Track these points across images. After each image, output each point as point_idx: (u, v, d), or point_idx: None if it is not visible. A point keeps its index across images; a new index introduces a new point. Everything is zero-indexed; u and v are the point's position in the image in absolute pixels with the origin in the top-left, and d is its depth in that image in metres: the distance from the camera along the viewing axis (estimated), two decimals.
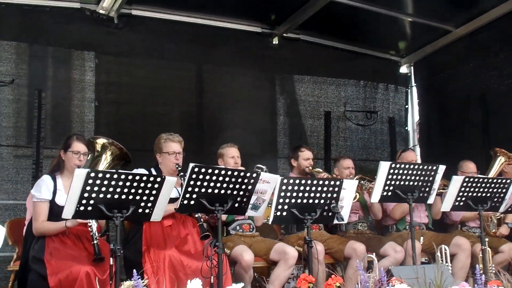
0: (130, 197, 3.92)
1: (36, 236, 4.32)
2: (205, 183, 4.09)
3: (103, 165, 5.84)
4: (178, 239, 4.58)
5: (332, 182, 4.57)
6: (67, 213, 3.78)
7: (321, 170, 5.83)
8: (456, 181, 5.07)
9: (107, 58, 7.40)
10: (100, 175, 3.78)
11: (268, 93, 8.44)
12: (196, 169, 4.02)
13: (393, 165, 4.94)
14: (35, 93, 6.94)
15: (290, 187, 4.41)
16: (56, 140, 6.95)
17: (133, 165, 7.02)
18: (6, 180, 6.69)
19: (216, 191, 4.15)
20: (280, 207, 4.42)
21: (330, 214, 4.62)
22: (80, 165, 4.42)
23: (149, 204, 4.03)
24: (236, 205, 4.28)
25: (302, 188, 4.44)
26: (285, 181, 4.38)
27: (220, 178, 4.12)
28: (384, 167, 4.91)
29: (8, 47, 6.86)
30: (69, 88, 7.20)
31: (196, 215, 4.52)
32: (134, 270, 3.07)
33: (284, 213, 4.44)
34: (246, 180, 4.22)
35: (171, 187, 4.07)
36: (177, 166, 4.82)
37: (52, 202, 4.35)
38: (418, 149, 9.01)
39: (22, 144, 6.86)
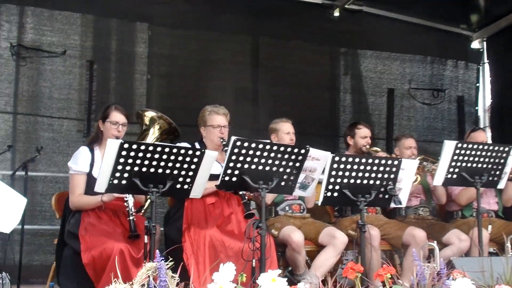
0: (167, 171, 3.65)
1: (73, 210, 4.11)
2: (248, 159, 3.76)
3: (150, 139, 5.65)
4: (220, 218, 4.28)
5: (390, 162, 4.15)
6: (100, 186, 3.54)
7: (379, 149, 5.39)
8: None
9: (160, 30, 7.18)
10: (134, 146, 3.51)
11: (328, 69, 8.01)
12: (238, 143, 3.70)
13: (460, 145, 4.47)
14: (87, 65, 6.77)
15: (342, 166, 4.02)
16: None
17: (183, 140, 6.88)
18: (57, 153, 6.58)
19: (260, 167, 3.81)
20: (331, 187, 4.04)
21: (386, 196, 4.20)
22: (119, 136, 4.17)
23: (188, 180, 3.74)
24: (283, 183, 3.94)
25: (355, 167, 4.05)
26: (336, 158, 3.99)
27: (265, 154, 3.78)
28: (449, 146, 4.45)
29: (60, 17, 6.71)
30: (121, 60, 7.01)
31: (241, 193, 4.18)
32: (157, 251, 2.77)
33: (335, 194, 4.06)
34: (293, 157, 3.87)
35: (211, 162, 3.77)
36: (222, 140, 4.50)
37: (89, 175, 4.13)
38: (488, 131, 8.35)
39: (73, 117, 6.71)
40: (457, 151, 4.44)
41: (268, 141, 3.82)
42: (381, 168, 4.13)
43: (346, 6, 7.83)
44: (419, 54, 8.34)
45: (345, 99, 7.99)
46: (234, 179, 3.79)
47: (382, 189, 4.18)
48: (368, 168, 4.09)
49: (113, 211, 4.07)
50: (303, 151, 3.87)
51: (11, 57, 6.46)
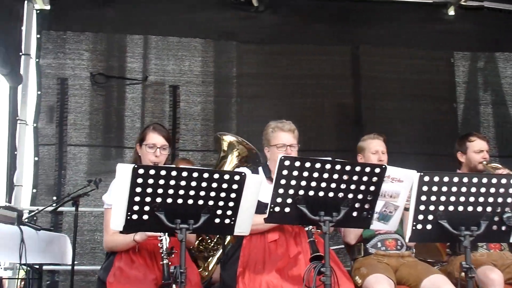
0: (200, 202, 2.89)
1: (108, 252, 3.48)
2: (303, 183, 2.91)
3: (227, 168, 4.97)
4: (284, 259, 3.40)
5: (505, 180, 3.07)
6: (116, 223, 2.86)
7: (500, 166, 4.24)
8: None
9: (247, 47, 6.52)
10: (152, 171, 2.80)
11: (444, 76, 6.85)
12: (286, 162, 2.86)
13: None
14: (170, 90, 6.27)
15: (435, 188, 3.01)
16: (193, 141, 6.25)
17: None
18: None
19: (320, 193, 2.94)
20: (421, 217, 3.03)
21: (503, 228, 3.11)
22: (157, 162, 3.50)
23: (229, 212, 2.96)
24: (354, 214, 3.02)
25: (454, 188, 3.02)
26: (426, 178, 2.99)
27: (325, 175, 2.91)
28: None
29: (139, 41, 6.30)
30: (207, 83, 6.43)
31: (306, 228, 3.30)
32: None
33: (428, 227, 3.05)
34: (365, 178, 2.95)
35: (257, 188, 2.96)
36: None
37: None
38: None
39: None
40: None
41: (329, 158, 2.93)
42: (492, 190, 3.06)
43: (463, 3, 6.71)
44: None
45: (468, 112, 6.79)
46: (287, 209, 2.95)
47: (496, 218, 3.09)
48: (473, 190, 3.04)
49: (150, 252, 3.37)
50: (377, 170, 2.93)
51: (91, 87, 6.11)
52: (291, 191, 2.92)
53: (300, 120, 6.25)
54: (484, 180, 3.04)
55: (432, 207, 3.04)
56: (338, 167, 2.90)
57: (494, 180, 3.05)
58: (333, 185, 2.94)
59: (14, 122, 5.76)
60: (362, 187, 2.97)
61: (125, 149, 6.13)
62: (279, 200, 2.93)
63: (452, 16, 6.78)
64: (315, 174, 2.90)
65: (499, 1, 6.85)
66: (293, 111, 6.43)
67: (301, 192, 2.92)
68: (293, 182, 2.90)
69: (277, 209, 2.94)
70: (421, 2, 6.79)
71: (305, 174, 2.89)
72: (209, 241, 4.60)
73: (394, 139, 6.42)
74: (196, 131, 6.28)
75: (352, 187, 2.96)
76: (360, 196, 2.99)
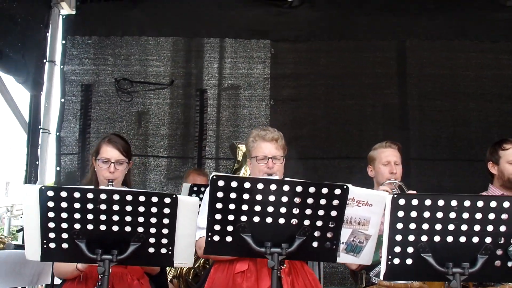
0: (127, 228, 2.48)
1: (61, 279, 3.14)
2: (245, 207, 2.41)
3: None
4: None
5: (507, 204, 2.41)
6: (31, 252, 2.50)
7: None
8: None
9: (282, 46, 6.03)
10: (64, 194, 2.41)
11: (508, 71, 6.00)
12: (220, 183, 2.38)
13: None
14: (197, 94, 5.91)
15: (414, 213, 2.41)
16: (222, 149, 5.86)
17: (313, 177, 5.63)
18: None
19: (268, 219, 2.43)
20: (398, 249, 2.44)
21: (508, 264, 2.45)
22: (112, 178, 3.11)
23: (164, 240, 2.52)
24: (315, 244, 2.48)
25: (440, 214, 2.40)
26: (401, 201, 2.39)
27: (271, 198, 2.39)
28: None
29: (165, 44, 5.98)
30: (238, 85, 6.01)
31: (269, 261, 2.77)
32: None
33: (408, 261, 2.44)
34: (323, 201, 2.41)
35: (193, 212, 2.50)
36: None
37: None
38: None
39: (181, 155, 5.87)
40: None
41: (276, 177, 2.42)
42: (492, 216, 2.41)
43: None
44: None
45: None
46: (228, 238, 2.46)
47: (499, 252, 2.43)
48: (466, 216, 2.41)
49: (97, 281, 2.99)
50: (338, 191, 2.38)
51: (116, 93, 5.87)
52: (230, 217, 2.43)
53: (340, 124, 5.86)
54: (480, 204, 2.40)
55: (411, 237, 2.43)
56: (286, 188, 2.38)
57: (493, 204, 2.40)
58: (282, 210, 2.42)
59: (35, 131, 5.62)
60: (321, 212, 2.43)
61: (150, 157, 5.84)
62: (217, 227, 2.45)
63: None
64: (258, 197, 2.40)
65: None
66: (332, 114, 5.94)
67: (244, 218, 2.43)
68: (231, 206, 2.41)
69: (216, 238, 2.46)
70: None
71: (246, 196, 2.39)
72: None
73: (447, 143, 5.79)
74: (224, 138, 5.88)
75: (308, 212, 2.42)
76: (319, 223, 2.45)
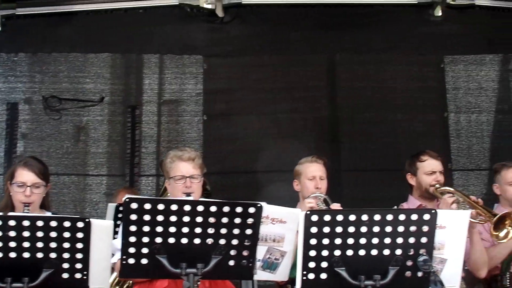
0: (39, 255, 2.42)
1: None
2: (159, 228, 2.40)
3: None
4: None
5: (415, 216, 2.48)
6: None
7: (451, 190, 3.62)
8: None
9: (215, 61, 6.04)
10: None
11: (432, 83, 6.17)
12: (133, 205, 2.36)
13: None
14: (128, 111, 5.85)
15: (327, 229, 2.46)
16: (153, 166, 5.79)
17: (246, 192, 5.65)
18: (96, 217, 5.62)
19: (184, 240, 2.42)
20: (312, 264, 2.48)
21: (419, 274, 2.52)
22: (28, 202, 3.04)
23: (78, 265, 2.48)
24: (232, 262, 2.49)
25: (352, 228, 2.46)
26: (314, 218, 2.44)
27: (185, 219, 2.39)
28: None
29: (95, 61, 5.89)
30: (170, 101, 5.98)
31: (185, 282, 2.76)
32: None
33: (323, 276, 2.49)
34: (237, 220, 2.43)
35: (107, 235, 2.48)
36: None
37: None
38: None
39: (113, 173, 5.78)
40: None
41: (191, 198, 2.42)
42: (401, 228, 2.48)
43: (451, 2, 6.06)
44: None
45: (459, 121, 6.09)
46: (144, 261, 2.44)
47: (409, 263, 2.50)
48: (377, 229, 2.47)
49: None
50: (252, 209, 2.40)
51: (44, 110, 5.74)
52: (145, 239, 2.41)
53: (272, 138, 5.89)
54: (389, 217, 2.47)
55: (325, 252, 2.48)
56: (200, 208, 2.39)
57: (402, 217, 2.47)
58: (198, 230, 2.42)
59: None
60: (236, 231, 2.45)
61: (81, 176, 5.73)
62: (132, 250, 2.43)
63: (439, 17, 6.12)
64: (173, 218, 2.39)
65: None
66: (264, 128, 5.95)
67: (159, 239, 2.41)
68: (146, 228, 2.40)
69: (131, 261, 2.44)
70: (404, 3, 6.17)
71: (160, 218, 2.38)
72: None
73: (376, 154, 5.91)
74: (157, 154, 5.83)
75: (223, 231, 2.44)
76: (234, 242, 2.46)
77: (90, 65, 5.90)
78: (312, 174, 3.73)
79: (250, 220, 2.43)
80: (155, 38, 5.99)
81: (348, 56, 6.10)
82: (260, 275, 2.63)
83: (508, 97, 6.12)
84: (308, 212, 2.42)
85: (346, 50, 6.10)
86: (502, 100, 6.09)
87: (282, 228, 2.60)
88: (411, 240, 2.48)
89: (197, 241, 2.44)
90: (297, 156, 5.63)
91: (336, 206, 3.46)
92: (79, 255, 2.46)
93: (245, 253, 2.49)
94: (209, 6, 5.94)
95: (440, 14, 6.11)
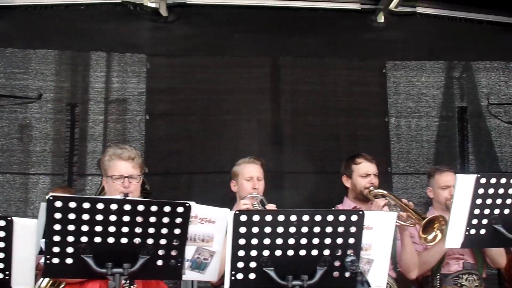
0: None
1: None
2: (85, 227, 2.34)
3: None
4: None
5: (343, 217, 2.51)
6: None
7: (384, 193, 3.68)
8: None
9: (158, 60, 5.97)
10: None
11: (374, 88, 6.28)
12: (58, 204, 2.30)
13: (485, 180, 2.71)
14: (67, 109, 5.71)
15: (255, 229, 2.45)
16: (93, 164, 5.68)
17: (187, 192, 5.62)
18: (31, 217, 5.46)
19: (110, 239, 2.37)
20: (241, 265, 2.47)
21: (345, 274, 2.54)
22: None
23: (0, 265, 2.39)
24: (160, 262, 2.45)
25: (280, 228, 2.46)
26: (243, 218, 2.43)
27: (112, 218, 2.35)
28: (464, 182, 2.71)
29: (34, 57, 5.73)
30: (112, 99, 5.88)
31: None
32: None
33: (252, 276, 2.48)
34: (166, 219, 2.40)
35: (30, 235, 2.40)
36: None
37: None
38: None
39: (50, 172, 5.64)
40: (480, 190, 2.68)
41: (118, 196, 2.38)
42: (329, 229, 2.50)
43: (394, 8, 6.16)
44: (500, 60, 6.37)
45: (400, 125, 6.21)
46: (68, 261, 2.38)
47: (337, 263, 2.53)
48: (305, 230, 2.49)
49: None
50: (180, 209, 2.37)
51: None
52: (70, 239, 2.36)
53: (215, 139, 5.86)
54: (318, 218, 2.49)
55: (254, 252, 2.48)
56: (127, 207, 2.34)
57: (330, 218, 2.49)
58: (125, 229, 2.38)
59: None
60: (164, 230, 2.41)
61: (17, 175, 5.57)
62: (56, 249, 2.37)
63: (382, 24, 6.23)
64: (99, 217, 2.34)
65: (434, 6, 6.30)
66: (208, 129, 5.91)
67: (84, 238, 2.36)
68: (71, 227, 2.34)
69: (55, 260, 2.38)
70: (348, 9, 6.24)
71: (85, 216, 2.33)
72: None
73: (318, 157, 5.96)
74: (96, 153, 5.72)
75: (151, 230, 2.40)
76: (163, 241, 2.43)
77: (28, 61, 5.75)
78: (250, 175, 3.73)
79: (178, 220, 2.41)
80: (97, 35, 5.87)
81: (292, 59, 6.12)
82: (189, 275, 2.60)
83: (451, 103, 6.23)
84: (237, 212, 2.41)
85: (289, 53, 6.12)
86: (445, 106, 6.21)
87: (211, 228, 2.58)
88: (339, 240, 2.51)
89: (124, 240, 2.39)
90: (240, 158, 5.68)
91: (271, 206, 3.47)
92: (1, 255, 2.37)
93: (173, 253, 2.46)
94: (153, 5, 5.88)
95: (382, 20, 6.20)
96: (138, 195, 3.16)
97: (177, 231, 2.42)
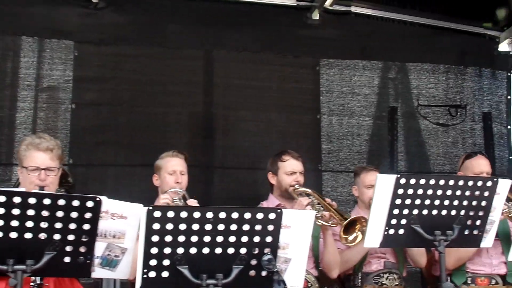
0: None
1: None
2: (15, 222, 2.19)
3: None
4: None
5: (261, 215, 2.45)
6: None
7: (309, 192, 3.66)
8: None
9: (87, 48, 5.74)
10: None
11: (307, 85, 6.26)
12: None
13: (404, 180, 2.70)
14: None
15: (170, 225, 2.36)
16: (11, 154, 5.42)
17: (113, 185, 5.46)
18: None
19: (13, 234, 2.23)
20: (154, 262, 2.37)
21: (262, 273, 2.48)
22: None
23: None
24: (67, 259, 2.32)
25: (195, 225, 2.38)
26: (157, 214, 2.33)
27: (15, 211, 2.20)
28: (384, 182, 2.70)
29: None
30: (36, 86, 5.61)
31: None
32: None
33: (164, 274, 2.39)
34: (74, 214, 2.26)
35: None
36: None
37: None
38: None
39: None
40: (400, 190, 2.68)
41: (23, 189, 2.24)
42: (246, 227, 2.44)
43: (329, 7, 6.17)
44: (429, 62, 6.50)
45: (332, 123, 6.23)
46: None
47: (254, 262, 2.46)
48: (222, 227, 2.41)
49: None
50: (90, 203, 2.25)
51: None
52: None
53: (144, 131, 5.70)
54: (235, 215, 2.43)
55: (168, 250, 2.41)
56: (32, 200, 2.21)
57: (247, 215, 2.43)
58: (29, 224, 2.26)
59: None
60: (72, 226, 2.33)
61: None
62: None
63: (316, 21, 6.23)
64: (1, 210, 2.19)
65: (368, 6, 6.36)
66: (136, 121, 5.74)
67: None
68: None
69: None
70: (283, 4, 6.20)
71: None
72: None
73: (249, 152, 5.91)
74: (17, 143, 5.45)
75: (58, 225, 2.30)
76: (71, 237, 2.33)
77: None
78: (173, 169, 3.64)
79: (88, 215, 2.29)
80: (21, 19, 5.60)
81: (226, 53, 6.03)
82: (99, 272, 2.48)
83: (384, 103, 6.30)
84: (151, 208, 2.31)
85: (224, 47, 6.03)
86: (377, 106, 6.27)
87: (123, 223, 2.47)
88: (256, 239, 2.45)
89: (28, 235, 2.26)
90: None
91: (192, 202, 3.38)
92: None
93: (82, 249, 2.34)
94: None
95: (317, 18, 6.20)
96: (55, 188, 3.01)
97: (86, 226, 2.30)
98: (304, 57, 6.24)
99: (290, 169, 3.81)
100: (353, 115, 6.27)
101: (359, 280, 3.78)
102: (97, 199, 2.29)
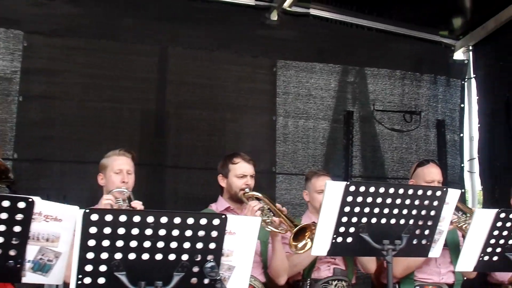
0: None
1: None
2: None
3: None
4: None
5: (204, 221, 2.35)
6: None
7: (259, 196, 3.58)
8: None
9: (37, 39, 5.53)
10: None
11: (264, 86, 6.20)
12: None
13: (354, 188, 2.65)
14: None
15: (108, 229, 2.24)
16: None
17: (59, 182, 5.27)
18: None
19: None
20: (89, 268, 2.24)
21: (204, 281, 2.38)
22: None
23: None
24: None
25: (135, 230, 2.26)
26: (94, 217, 2.20)
27: None
28: (333, 189, 2.64)
29: None
30: None
31: None
32: None
33: (101, 280, 2.26)
34: (4, 216, 2.14)
35: None
36: None
37: None
38: (476, 162, 6.49)
39: None
40: (348, 198, 2.62)
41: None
42: (188, 232, 2.35)
43: (288, 8, 6.12)
44: (385, 67, 6.55)
45: (287, 126, 6.17)
46: None
47: (196, 269, 2.36)
48: (163, 233, 2.30)
49: None
50: (22, 204, 2.11)
51: None
52: None
53: (94, 126, 5.52)
54: (177, 221, 2.33)
55: (105, 255, 2.28)
56: None
57: (190, 221, 2.33)
58: None
59: None
60: (2, 228, 2.17)
61: None
62: None
63: (275, 22, 6.17)
64: None
65: (327, 9, 6.33)
66: (86, 116, 5.56)
67: None
68: None
69: None
70: (242, 3, 6.12)
71: None
72: None
73: (202, 152, 5.80)
74: None
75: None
76: (0, 240, 2.15)
77: None
78: (119, 168, 3.50)
79: (19, 216, 2.15)
80: None
81: (181, 50, 5.91)
82: (30, 277, 2.34)
83: (340, 107, 6.28)
84: (87, 211, 2.18)
85: (179, 44, 5.91)
86: (334, 109, 6.25)
87: (57, 226, 2.34)
88: (199, 245, 2.35)
89: None
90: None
91: (137, 204, 3.26)
92: None
93: (12, 252, 2.20)
94: None
95: (276, 18, 6.16)
96: None
97: (17, 228, 2.16)
98: (261, 57, 6.18)
99: (241, 172, 3.72)
100: (309, 118, 6.23)
101: (308, 286, 3.72)
102: (30, 200, 2.15)
